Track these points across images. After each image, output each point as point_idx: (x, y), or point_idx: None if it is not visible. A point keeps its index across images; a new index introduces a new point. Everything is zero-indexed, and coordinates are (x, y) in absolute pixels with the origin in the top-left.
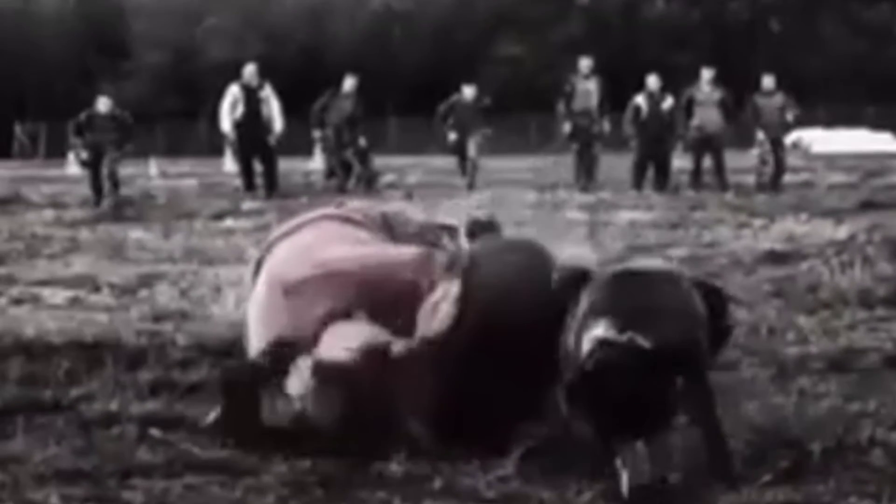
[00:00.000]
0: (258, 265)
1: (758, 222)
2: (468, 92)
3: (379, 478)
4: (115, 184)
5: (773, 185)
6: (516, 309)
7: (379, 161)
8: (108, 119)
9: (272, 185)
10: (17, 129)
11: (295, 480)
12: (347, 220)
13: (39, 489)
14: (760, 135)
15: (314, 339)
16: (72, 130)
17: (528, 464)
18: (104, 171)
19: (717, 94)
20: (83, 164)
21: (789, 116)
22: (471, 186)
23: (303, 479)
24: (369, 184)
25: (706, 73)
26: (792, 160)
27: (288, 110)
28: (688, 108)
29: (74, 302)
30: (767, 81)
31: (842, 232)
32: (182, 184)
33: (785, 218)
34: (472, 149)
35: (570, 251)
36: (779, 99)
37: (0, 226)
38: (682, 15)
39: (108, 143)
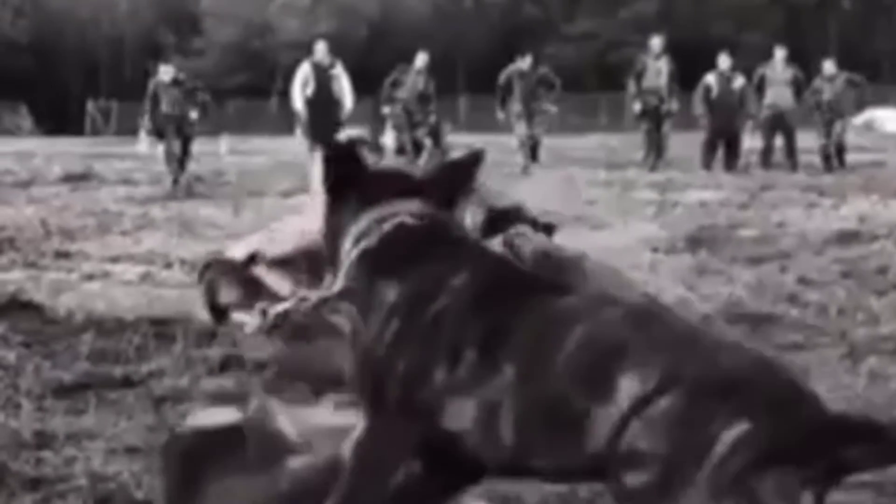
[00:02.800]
0: None
1: (828, 202)
2: (523, 64)
3: None
4: (186, 153)
5: (835, 163)
6: None
7: (450, 138)
8: (174, 87)
9: None
10: (90, 105)
11: None
12: None
13: (110, 464)
14: (817, 117)
15: None
16: (146, 105)
17: None
18: (175, 143)
19: (789, 73)
20: (157, 134)
21: (853, 97)
22: (526, 168)
23: None
24: None
25: (779, 52)
26: (862, 140)
27: (357, 87)
28: (760, 86)
29: (146, 278)
30: (828, 66)
31: None
32: (252, 161)
33: (855, 198)
34: (533, 124)
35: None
36: (842, 81)
37: (73, 202)
38: None
39: (177, 113)
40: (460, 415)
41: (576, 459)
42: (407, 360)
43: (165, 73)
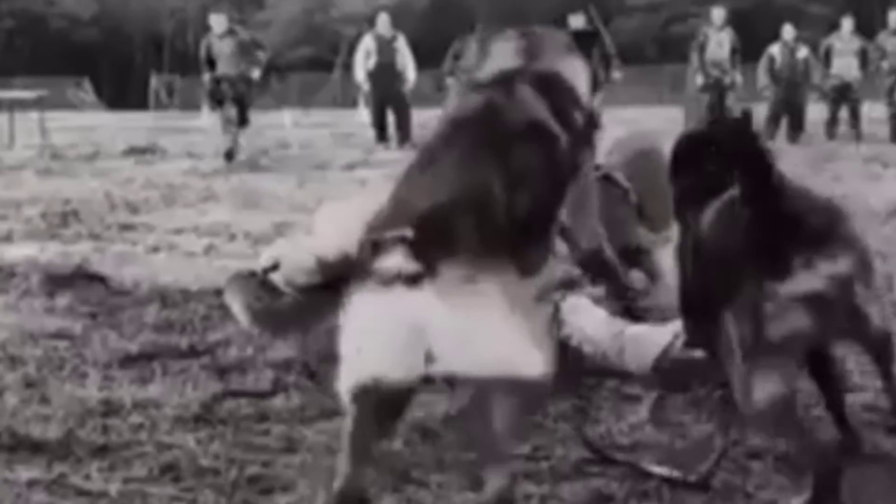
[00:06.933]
0: None
1: (892, 173)
2: (576, 22)
3: None
4: (244, 120)
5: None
6: None
7: None
8: (228, 38)
9: (405, 135)
10: (154, 79)
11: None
12: None
13: (176, 433)
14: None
15: None
16: (204, 70)
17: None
18: (232, 109)
19: (856, 44)
20: (214, 101)
21: None
22: None
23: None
24: None
25: (846, 23)
26: None
27: (419, 59)
28: (826, 57)
29: (210, 250)
30: (894, 18)
31: None
32: (315, 134)
33: None
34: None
35: None
36: None
37: (137, 175)
38: None
39: (234, 73)
40: None
41: None
42: None
43: (218, 23)
